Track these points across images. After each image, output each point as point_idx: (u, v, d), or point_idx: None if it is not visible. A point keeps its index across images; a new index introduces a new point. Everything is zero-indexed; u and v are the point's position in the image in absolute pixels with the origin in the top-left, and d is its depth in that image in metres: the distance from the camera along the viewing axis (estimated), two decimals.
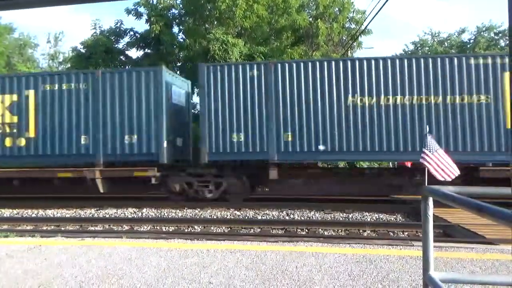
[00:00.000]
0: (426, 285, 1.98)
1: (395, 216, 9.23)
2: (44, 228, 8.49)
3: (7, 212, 10.24)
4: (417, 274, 3.88)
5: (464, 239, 6.40)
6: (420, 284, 2.52)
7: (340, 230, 7.97)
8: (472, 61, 9.45)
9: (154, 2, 17.67)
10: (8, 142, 10.75)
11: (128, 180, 10.58)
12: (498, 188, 2.02)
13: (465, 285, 3.53)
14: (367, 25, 16.39)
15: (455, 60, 9.55)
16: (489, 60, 9.38)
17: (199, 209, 10.06)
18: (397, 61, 9.84)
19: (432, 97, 9.50)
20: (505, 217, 1.27)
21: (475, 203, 1.52)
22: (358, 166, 13.55)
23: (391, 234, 7.69)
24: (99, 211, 10.23)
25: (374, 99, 9.67)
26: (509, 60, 0.98)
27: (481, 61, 9.41)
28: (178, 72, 16.03)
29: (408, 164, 10.45)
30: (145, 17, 17.56)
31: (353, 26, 18.80)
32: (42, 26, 58.44)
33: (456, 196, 1.74)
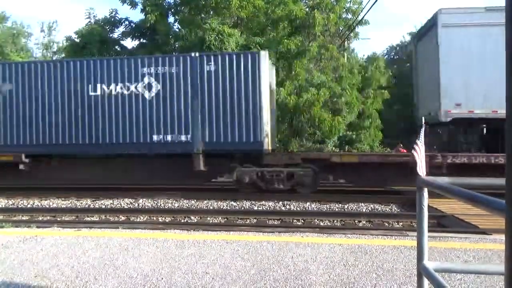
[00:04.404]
0: (420, 275, 2.01)
1: (390, 207, 9.30)
2: (40, 218, 8.48)
3: (2, 203, 10.21)
4: (411, 264, 3.92)
5: (458, 229, 6.47)
6: (415, 274, 2.55)
7: (335, 221, 8.02)
8: None
9: None
10: None
11: None
12: (492, 179, 2.04)
13: (459, 274, 3.58)
14: (364, 15, 16.31)
15: None
16: None
17: (195, 200, 10.08)
18: None
19: None
20: (499, 207, 1.28)
21: (469, 193, 1.53)
22: None
23: (386, 224, 7.76)
24: (95, 202, 10.23)
25: None
26: (506, 50, 0.98)
27: None
28: None
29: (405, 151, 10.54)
30: (140, 6, 17.35)
31: (349, 16, 18.69)
32: (35, 15, 57.70)
33: (450, 187, 1.76)
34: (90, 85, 10.50)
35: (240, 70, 10.05)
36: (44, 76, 10.73)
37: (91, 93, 10.50)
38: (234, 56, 10.22)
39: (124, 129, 10.39)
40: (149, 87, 10.28)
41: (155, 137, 10.25)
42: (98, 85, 10.48)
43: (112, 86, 10.40)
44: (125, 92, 10.35)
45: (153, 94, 10.28)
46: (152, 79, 10.25)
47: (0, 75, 10.88)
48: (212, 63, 10.08)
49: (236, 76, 10.03)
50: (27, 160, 10.79)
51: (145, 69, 10.32)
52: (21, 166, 10.81)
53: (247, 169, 10.33)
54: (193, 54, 10.39)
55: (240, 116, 10.01)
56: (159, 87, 10.24)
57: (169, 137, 10.22)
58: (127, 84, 10.33)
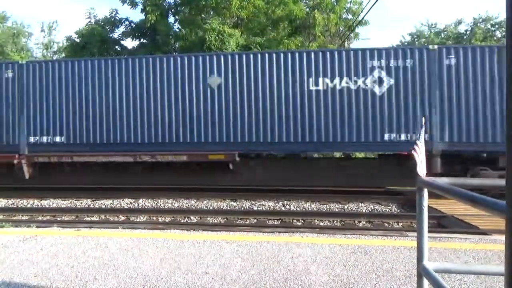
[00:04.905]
0: (420, 275, 2.01)
1: (390, 207, 9.30)
2: (40, 218, 8.48)
3: (2, 203, 10.21)
4: (411, 264, 3.92)
5: (458, 230, 6.47)
6: (414, 274, 2.55)
7: (335, 221, 8.02)
8: None
9: None
10: None
11: None
12: (492, 179, 2.04)
13: (459, 275, 3.58)
14: (364, 15, 16.33)
15: None
16: None
17: (195, 200, 10.08)
18: None
19: None
20: (499, 208, 1.28)
21: (469, 194, 1.53)
22: None
23: (386, 225, 7.76)
24: (95, 202, 10.23)
25: None
26: (507, 51, 0.98)
27: None
28: None
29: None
30: (140, 6, 17.38)
31: (350, 16, 18.72)
32: (35, 15, 57.71)
33: (450, 187, 1.76)
34: (311, 79, 9.88)
35: (484, 64, 9.35)
36: (257, 68, 10.01)
37: (312, 88, 9.88)
38: (478, 49, 9.53)
39: (350, 126, 9.71)
40: (379, 81, 9.64)
41: (386, 136, 9.62)
42: (320, 79, 9.87)
43: (337, 80, 9.78)
44: (352, 87, 9.72)
45: (384, 89, 9.63)
46: (383, 73, 9.62)
47: (207, 67, 10.18)
48: (453, 56, 9.45)
49: (481, 71, 9.34)
50: (238, 159, 10.15)
51: (374, 62, 9.68)
52: (231, 166, 10.25)
53: (488, 172, 9.47)
54: (430, 47, 9.75)
55: (485, 114, 9.28)
56: (391, 82, 9.61)
57: (402, 136, 9.58)
58: (353, 78, 9.73)
